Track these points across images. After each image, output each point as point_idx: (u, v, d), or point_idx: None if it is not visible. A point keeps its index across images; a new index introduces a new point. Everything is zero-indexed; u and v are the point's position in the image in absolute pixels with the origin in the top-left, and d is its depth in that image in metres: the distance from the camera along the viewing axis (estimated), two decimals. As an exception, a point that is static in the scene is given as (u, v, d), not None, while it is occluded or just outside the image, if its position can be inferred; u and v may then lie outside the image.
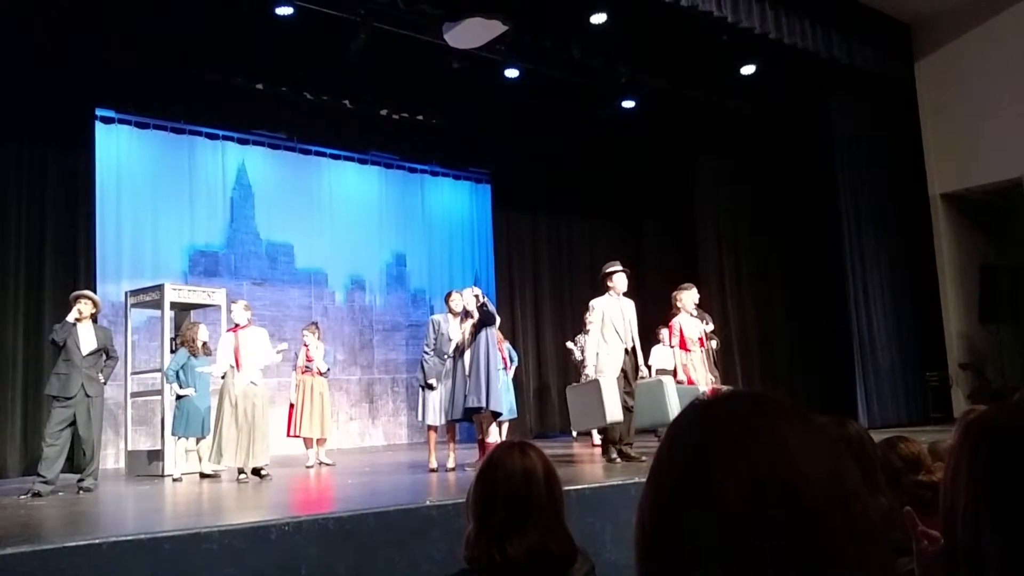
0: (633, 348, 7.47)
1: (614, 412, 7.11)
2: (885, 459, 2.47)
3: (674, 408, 7.14)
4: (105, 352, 7.27)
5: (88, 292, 7.50)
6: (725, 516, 0.72)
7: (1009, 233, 12.13)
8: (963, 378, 11.49)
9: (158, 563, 3.62)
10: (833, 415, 2.58)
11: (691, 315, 8.40)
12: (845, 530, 0.72)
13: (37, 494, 6.50)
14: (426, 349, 7.92)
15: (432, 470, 7.48)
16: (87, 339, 7.11)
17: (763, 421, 0.77)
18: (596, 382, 7.20)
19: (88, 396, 6.99)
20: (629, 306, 7.63)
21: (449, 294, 8.16)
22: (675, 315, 8.45)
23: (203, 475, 7.83)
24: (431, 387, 7.79)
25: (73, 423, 6.91)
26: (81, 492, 6.77)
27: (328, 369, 9.50)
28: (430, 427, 7.94)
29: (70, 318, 7.10)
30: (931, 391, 11.56)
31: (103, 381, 7.28)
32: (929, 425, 10.21)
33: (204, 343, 8.42)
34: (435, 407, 7.77)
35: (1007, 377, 11.37)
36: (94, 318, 7.33)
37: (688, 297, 8.45)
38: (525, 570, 1.88)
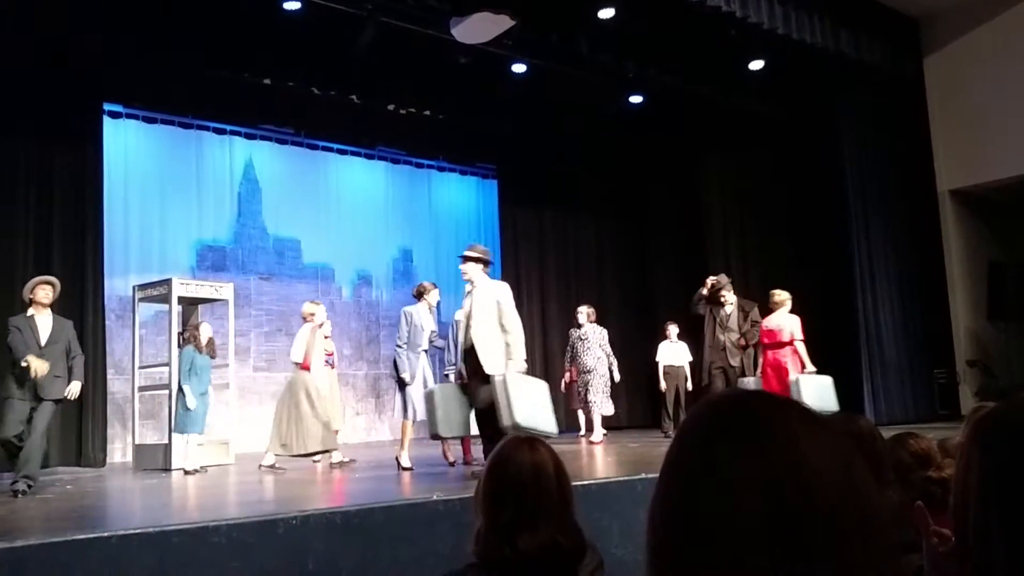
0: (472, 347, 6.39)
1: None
2: (895, 455, 2.46)
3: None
4: (67, 348, 6.61)
5: (48, 277, 6.88)
6: (738, 514, 0.72)
7: (1018, 230, 12.09)
8: (971, 375, 11.46)
9: (166, 556, 3.64)
10: (842, 412, 2.58)
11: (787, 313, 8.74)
12: (857, 526, 0.72)
13: (24, 492, 6.02)
14: (399, 343, 7.58)
15: (406, 468, 7.18)
16: (44, 330, 6.50)
17: (773, 419, 0.77)
18: (430, 392, 6.71)
19: (40, 399, 6.37)
20: (486, 295, 6.45)
21: (423, 285, 8.00)
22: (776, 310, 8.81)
23: (186, 472, 7.83)
24: (405, 382, 7.47)
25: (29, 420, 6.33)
26: (17, 495, 5.98)
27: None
28: (405, 421, 7.58)
29: (29, 312, 6.52)
30: (939, 388, 11.54)
31: (75, 379, 6.59)
32: (937, 422, 10.19)
33: (210, 339, 8.42)
34: (413, 403, 7.45)
35: (1015, 374, 11.33)
36: (54, 307, 6.73)
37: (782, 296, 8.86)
38: (536, 565, 1.88)
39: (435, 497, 4.54)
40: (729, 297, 9.35)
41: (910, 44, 11.80)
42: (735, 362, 9.06)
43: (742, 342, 9.20)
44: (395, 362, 7.63)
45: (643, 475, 5.22)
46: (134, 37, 9.07)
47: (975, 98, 11.38)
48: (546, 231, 13.64)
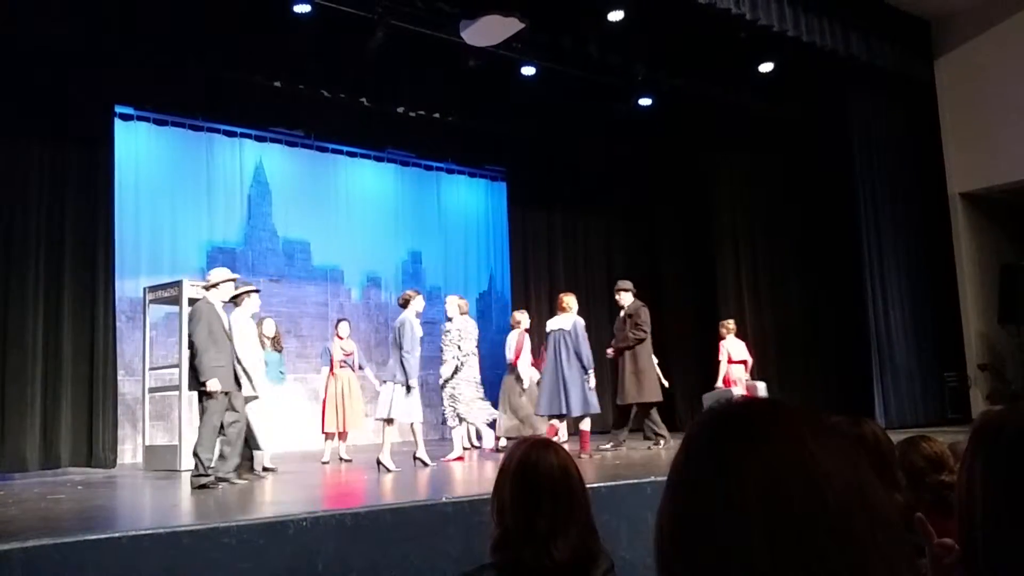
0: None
1: None
2: (907, 459, 2.45)
3: None
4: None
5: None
6: (745, 517, 0.72)
7: (1029, 233, 12.03)
8: (982, 379, 11.40)
9: (176, 557, 3.65)
10: (849, 415, 2.57)
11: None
12: (866, 528, 0.72)
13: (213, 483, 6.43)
14: (406, 351, 7.73)
15: (426, 464, 7.63)
16: (224, 321, 6.91)
17: (779, 422, 0.78)
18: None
19: (239, 391, 6.92)
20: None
21: (408, 294, 8.19)
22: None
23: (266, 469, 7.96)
24: (412, 387, 7.67)
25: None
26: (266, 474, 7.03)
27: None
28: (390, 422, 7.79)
29: (217, 301, 6.87)
30: (949, 392, 11.48)
31: None
32: (947, 426, 10.15)
33: (276, 334, 8.56)
34: (415, 405, 7.77)
35: (1026, 378, 11.27)
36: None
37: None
38: (565, 571, 1.83)
39: (444, 499, 4.54)
40: (623, 299, 9.14)
41: (922, 46, 11.76)
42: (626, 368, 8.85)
43: (609, 350, 9.04)
44: (404, 368, 7.70)
45: (652, 478, 5.22)
46: (145, 39, 9.10)
47: (987, 100, 11.33)
48: (555, 233, 13.63)
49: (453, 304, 8.88)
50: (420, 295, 8.22)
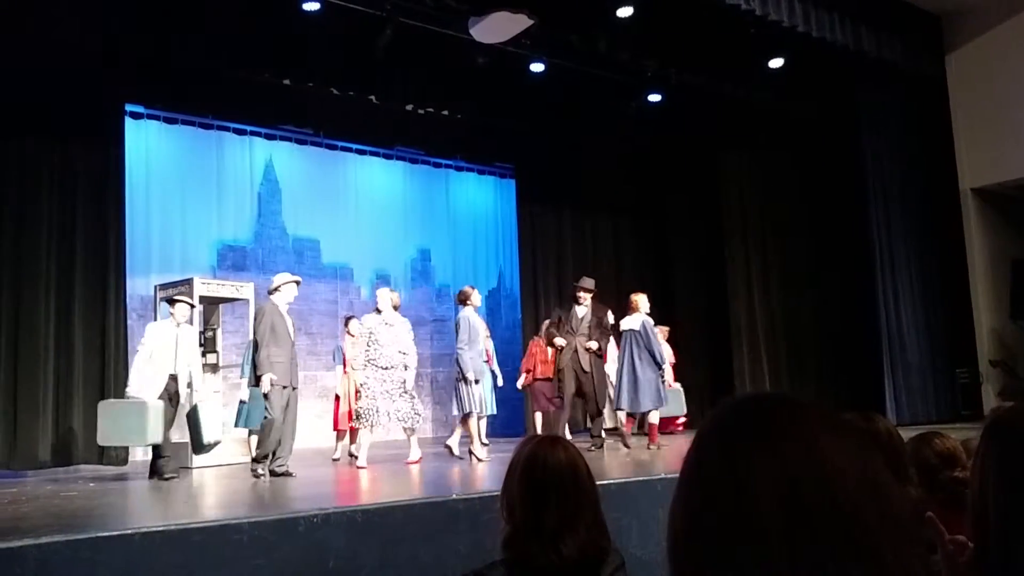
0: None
1: None
2: (920, 455, 2.44)
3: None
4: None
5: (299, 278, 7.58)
6: (759, 513, 0.72)
7: (1042, 228, 11.96)
8: (994, 375, 11.35)
9: (188, 553, 3.67)
10: (860, 411, 2.56)
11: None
12: (879, 523, 0.72)
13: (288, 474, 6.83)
14: (461, 346, 8.12)
15: (481, 460, 7.84)
16: (288, 324, 7.19)
17: (792, 418, 0.77)
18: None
19: (294, 388, 7.16)
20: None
21: (464, 291, 8.49)
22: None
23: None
24: (469, 380, 8.07)
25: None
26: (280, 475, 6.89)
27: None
28: (467, 416, 8.23)
29: (281, 302, 7.16)
30: (961, 388, 11.43)
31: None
32: (959, 423, 10.10)
33: None
34: (476, 398, 8.12)
35: (1039, 374, 11.21)
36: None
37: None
38: (574, 568, 1.83)
39: (454, 496, 4.55)
40: (585, 300, 8.92)
41: (932, 41, 11.70)
42: (588, 367, 8.68)
43: (593, 345, 8.65)
44: (458, 362, 8.11)
45: (663, 475, 5.21)
46: (154, 38, 9.12)
47: (998, 95, 11.26)
48: (564, 230, 13.61)
49: (385, 297, 8.00)
50: (476, 290, 8.55)
